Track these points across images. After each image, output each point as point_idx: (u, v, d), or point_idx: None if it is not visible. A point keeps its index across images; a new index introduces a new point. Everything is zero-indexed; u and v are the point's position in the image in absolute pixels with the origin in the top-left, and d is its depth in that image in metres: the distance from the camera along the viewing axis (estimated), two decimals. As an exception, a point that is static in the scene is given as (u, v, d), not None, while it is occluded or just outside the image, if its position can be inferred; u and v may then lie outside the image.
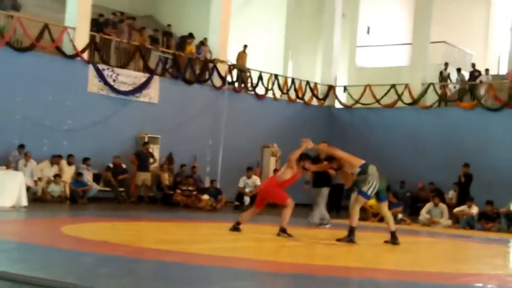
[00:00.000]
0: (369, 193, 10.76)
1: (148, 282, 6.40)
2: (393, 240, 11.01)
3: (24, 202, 14.53)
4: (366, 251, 10.71)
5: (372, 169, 10.79)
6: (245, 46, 23.74)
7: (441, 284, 7.67)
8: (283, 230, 11.06)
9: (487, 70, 24.22)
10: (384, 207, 11.30)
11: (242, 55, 23.67)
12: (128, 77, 19.73)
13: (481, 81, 23.86)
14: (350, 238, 10.83)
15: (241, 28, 26.06)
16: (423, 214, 17.63)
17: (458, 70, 24.63)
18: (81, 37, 18.79)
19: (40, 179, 16.93)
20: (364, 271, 8.32)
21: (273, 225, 11.71)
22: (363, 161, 10.98)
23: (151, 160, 19.30)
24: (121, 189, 18.47)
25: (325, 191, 14.19)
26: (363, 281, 7.56)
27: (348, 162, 11.11)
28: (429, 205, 17.76)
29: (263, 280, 7.35)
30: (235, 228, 11.47)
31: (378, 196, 11.06)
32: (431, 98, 24.19)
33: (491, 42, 30.12)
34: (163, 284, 6.31)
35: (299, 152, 11.29)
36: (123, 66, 19.82)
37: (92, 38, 19.15)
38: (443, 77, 24.65)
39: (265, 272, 7.84)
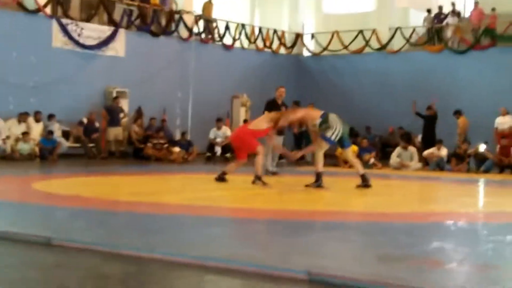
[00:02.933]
0: (332, 138, 10.76)
1: (121, 233, 6.40)
2: (364, 183, 11.07)
3: (-7, 160, 14.39)
4: (338, 195, 10.80)
5: (332, 116, 10.79)
6: (209, -6, 23.43)
7: (413, 223, 7.78)
8: (258, 178, 11.10)
9: (453, 12, 24.21)
10: (349, 153, 11.39)
11: (208, 5, 23.38)
12: (93, 31, 19.42)
13: (447, 24, 23.90)
14: (318, 183, 10.90)
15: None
16: (394, 158, 17.80)
17: (428, 11, 24.59)
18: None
19: (8, 137, 16.71)
20: (336, 215, 8.40)
21: (248, 174, 11.72)
22: (322, 111, 10.97)
23: (121, 114, 19.14)
24: (91, 144, 18.33)
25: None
26: (336, 223, 7.64)
27: (308, 117, 11.11)
28: (398, 149, 17.92)
29: (236, 226, 7.40)
30: (221, 178, 11.44)
31: (342, 143, 11.07)
32: (398, 42, 24.21)
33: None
34: (137, 234, 6.31)
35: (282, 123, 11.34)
36: (87, 20, 19.48)
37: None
38: (428, 19, 24.42)
39: (238, 219, 7.88)
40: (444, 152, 17.65)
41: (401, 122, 21.91)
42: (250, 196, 10.19)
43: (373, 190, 10.99)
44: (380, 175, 15.08)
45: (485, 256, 5.77)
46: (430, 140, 18.59)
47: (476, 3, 23.51)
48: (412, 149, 17.89)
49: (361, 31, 24.47)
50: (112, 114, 18.87)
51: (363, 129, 21.76)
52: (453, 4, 24.15)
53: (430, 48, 23.65)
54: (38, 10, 18.22)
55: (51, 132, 17.20)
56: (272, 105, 13.27)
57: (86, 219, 7.28)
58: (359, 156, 17.91)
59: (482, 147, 17.44)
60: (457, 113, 19.59)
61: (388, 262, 5.27)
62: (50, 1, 18.47)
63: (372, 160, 17.79)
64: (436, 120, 19.27)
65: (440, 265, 5.23)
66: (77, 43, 18.91)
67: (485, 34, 22.87)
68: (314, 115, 11.02)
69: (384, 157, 19.74)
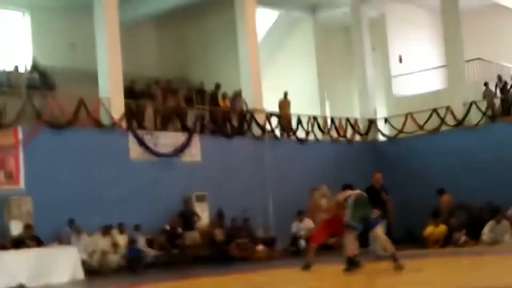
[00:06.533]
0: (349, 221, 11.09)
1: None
2: (396, 263, 10.74)
3: (81, 275, 14.47)
4: (428, 275, 10.30)
5: (350, 199, 11.23)
6: (286, 93, 23.69)
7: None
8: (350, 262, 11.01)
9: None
10: (376, 232, 11.30)
11: (284, 103, 23.60)
12: (168, 138, 19.77)
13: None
14: (348, 268, 11.00)
15: (273, 76, 26.15)
16: (486, 233, 17.05)
17: (485, 84, 24.16)
18: (117, 107, 18.98)
19: (94, 251, 16.87)
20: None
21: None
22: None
23: (195, 218, 19.14)
24: (175, 251, 18.29)
25: None
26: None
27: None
28: (491, 224, 17.20)
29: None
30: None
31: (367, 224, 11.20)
32: (475, 117, 23.69)
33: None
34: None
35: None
36: (162, 129, 19.90)
37: (127, 106, 19.31)
38: (487, 93, 24.14)
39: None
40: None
41: (489, 198, 21.08)
42: (344, 284, 9.87)
43: (465, 268, 10.44)
44: (474, 252, 14.42)
45: None
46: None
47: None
48: (505, 222, 17.15)
49: (435, 110, 24.12)
50: (185, 218, 18.88)
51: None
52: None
53: (509, 119, 23.04)
54: (113, 125, 18.72)
55: (135, 242, 17.29)
56: (371, 191, 13.30)
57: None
58: (449, 236, 17.35)
59: None
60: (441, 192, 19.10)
61: None
62: (124, 115, 18.97)
63: (463, 238, 17.11)
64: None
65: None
66: (153, 152, 19.24)
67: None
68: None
69: (474, 234, 18.90)
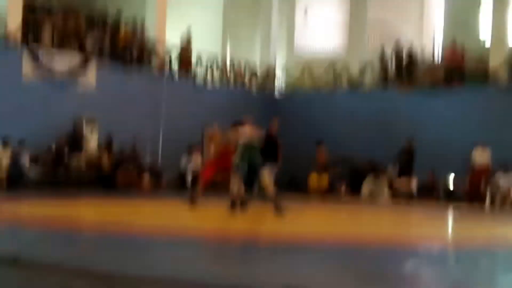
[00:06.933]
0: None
1: (90, 252, 6.29)
2: (276, 207, 11.11)
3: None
4: (307, 221, 10.75)
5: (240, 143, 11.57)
6: (189, 28, 23.32)
7: (390, 247, 7.77)
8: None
9: (422, 51, 24.52)
10: (262, 176, 11.61)
11: (187, 38, 23.29)
12: (65, 59, 19.29)
13: (417, 63, 24.12)
14: (230, 208, 11.32)
15: (178, 9, 25.77)
16: (365, 187, 17.87)
17: (397, 50, 24.85)
18: (14, 19, 18.27)
19: (-27, 163, 16.46)
20: (308, 239, 8.34)
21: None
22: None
23: (83, 141, 18.95)
24: (59, 171, 18.10)
25: None
26: (312, 247, 7.59)
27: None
28: (370, 178, 18.02)
29: (210, 247, 7.32)
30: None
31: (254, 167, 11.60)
32: (370, 79, 24.39)
33: (426, 23, 30.50)
34: (106, 253, 6.21)
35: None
36: (59, 48, 19.37)
37: (25, 21, 18.63)
38: (382, 59, 24.77)
39: (212, 241, 7.80)
40: (413, 183, 17.78)
41: (372, 156, 21.94)
42: (223, 222, 10.13)
43: (343, 218, 10.98)
44: (351, 204, 15.10)
45: (455, 276, 5.78)
46: (405, 171, 18.64)
47: (453, 43, 23.63)
48: (383, 179, 18.00)
49: (332, 67, 24.58)
50: (74, 140, 18.67)
51: (334, 161, 21.83)
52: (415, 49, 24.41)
53: (400, 88, 23.78)
54: (8, 37, 18.08)
55: (17, 156, 16.97)
56: (268, 138, 13.52)
57: (53, 239, 7.15)
58: (330, 186, 18.06)
59: (450, 180, 17.66)
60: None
61: (364, 282, 5.21)
62: (21, 30, 18.33)
63: (343, 189, 17.88)
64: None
65: (414, 285, 5.22)
66: (47, 72, 18.74)
67: (455, 74, 23.11)
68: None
69: (355, 188, 19.75)
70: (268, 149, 13.34)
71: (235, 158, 11.35)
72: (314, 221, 11.12)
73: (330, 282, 5.11)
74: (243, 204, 11.47)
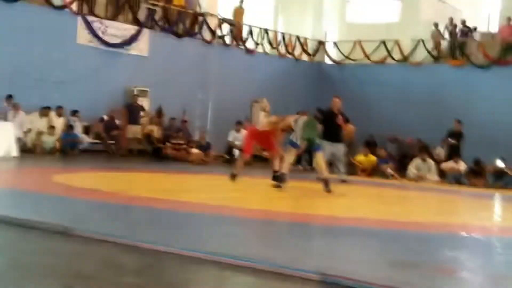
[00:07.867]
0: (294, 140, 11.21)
1: (139, 226, 6.48)
2: (326, 188, 11.08)
3: (14, 152, 14.56)
4: (354, 202, 10.82)
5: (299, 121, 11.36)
6: (242, 1, 23.46)
7: (429, 233, 7.79)
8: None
9: (475, 28, 24.18)
10: (317, 157, 11.46)
11: (239, 10, 23.43)
12: (118, 30, 19.58)
13: (471, 38, 23.80)
14: (277, 182, 11.18)
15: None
16: (411, 170, 17.77)
17: (435, 25, 24.50)
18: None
19: (29, 130, 16.87)
20: (351, 221, 8.42)
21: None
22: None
23: (141, 113, 19.26)
24: (111, 141, 18.47)
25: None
26: (350, 228, 7.67)
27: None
28: (416, 161, 17.89)
29: (252, 226, 7.46)
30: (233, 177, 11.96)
31: (311, 147, 11.56)
32: (421, 55, 24.15)
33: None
34: (154, 228, 6.39)
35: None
36: (112, 18, 19.64)
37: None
38: (435, 34, 24.53)
39: (254, 220, 7.94)
40: (462, 166, 17.60)
41: (419, 134, 21.80)
42: (267, 199, 10.25)
43: (390, 200, 11.00)
44: (399, 185, 15.07)
45: (497, 267, 5.79)
46: (453, 154, 18.42)
47: (509, 19, 23.21)
48: (430, 161, 17.85)
49: (383, 42, 24.45)
50: (132, 112, 18.99)
51: (382, 139, 21.74)
52: (470, 27, 24.03)
53: (452, 62, 23.55)
54: (64, 6, 18.40)
55: (72, 127, 17.37)
56: (328, 115, 13.54)
57: (104, 212, 7.38)
58: (377, 166, 17.99)
59: (499, 163, 17.39)
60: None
61: (401, 268, 5.30)
62: (76, -2, 18.64)
63: (390, 171, 17.78)
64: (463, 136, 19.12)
65: (452, 273, 5.26)
66: (101, 40, 19.07)
67: (510, 50, 22.73)
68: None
69: (402, 168, 19.67)
70: (329, 128, 13.37)
71: (296, 135, 11.19)
72: (360, 203, 11.16)
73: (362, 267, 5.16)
74: (326, 183, 11.24)
